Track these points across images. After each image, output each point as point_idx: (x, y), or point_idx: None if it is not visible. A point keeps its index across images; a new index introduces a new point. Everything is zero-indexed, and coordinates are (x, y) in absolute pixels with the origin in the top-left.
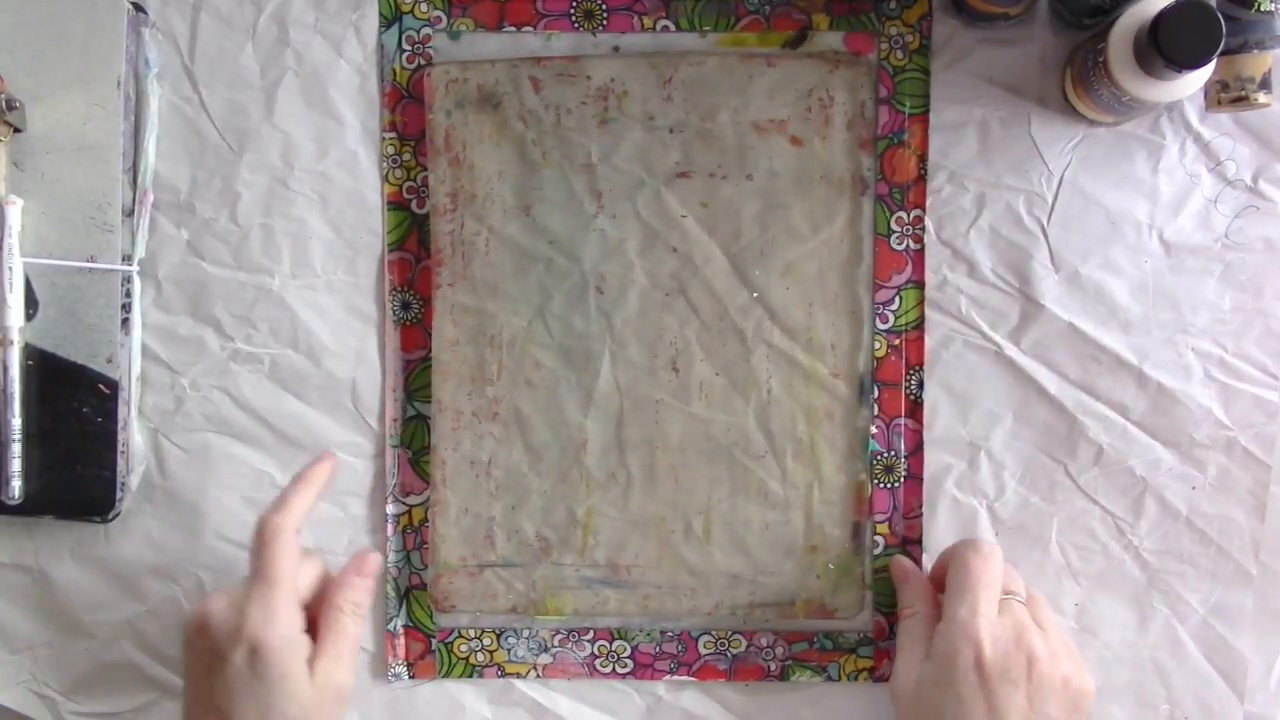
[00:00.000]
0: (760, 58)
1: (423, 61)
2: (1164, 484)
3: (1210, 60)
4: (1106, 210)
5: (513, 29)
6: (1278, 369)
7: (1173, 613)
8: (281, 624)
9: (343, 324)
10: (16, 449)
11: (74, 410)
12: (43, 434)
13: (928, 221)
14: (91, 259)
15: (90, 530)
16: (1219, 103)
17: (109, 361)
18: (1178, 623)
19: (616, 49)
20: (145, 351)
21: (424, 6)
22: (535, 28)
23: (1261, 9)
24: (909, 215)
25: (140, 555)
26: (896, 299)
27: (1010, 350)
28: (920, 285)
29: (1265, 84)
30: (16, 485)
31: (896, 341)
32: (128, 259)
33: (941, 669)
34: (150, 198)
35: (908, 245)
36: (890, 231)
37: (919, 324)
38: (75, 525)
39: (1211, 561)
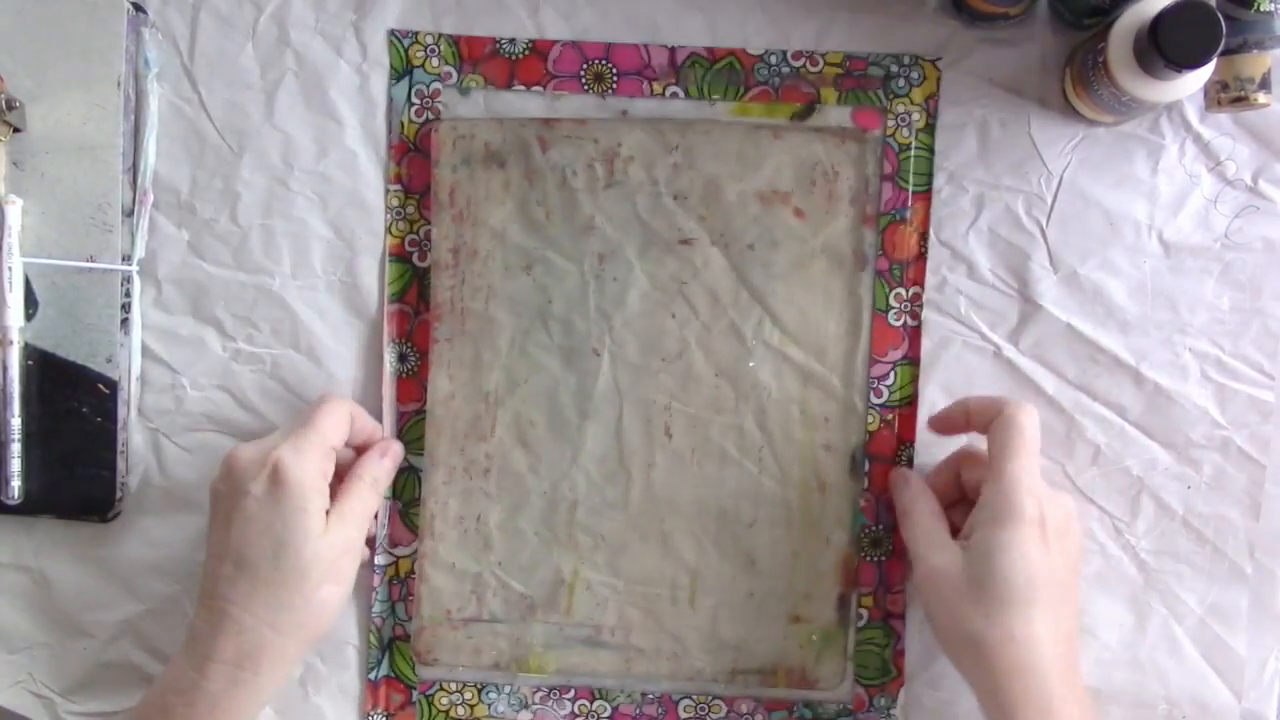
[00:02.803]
0: (767, 129)
1: (431, 116)
2: (1160, 484)
3: (1210, 60)
4: (1106, 210)
5: (522, 88)
6: (1274, 369)
7: (1170, 613)
8: (308, 461)
9: (343, 324)
10: (16, 449)
11: (74, 410)
12: (43, 434)
13: (930, 229)
14: (91, 259)
15: (90, 530)
16: (1219, 103)
17: (109, 361)
18: (1175, 623)
19: (625, 113)
20: (145, 351)
21: (435, 61)
22: (545, 88)
23: (1261, 9)
24: (908, 292)
25: (140, 555)
26: (891, 374)
27: (1009, 351)
28: (915, 362)
29: (1265, 84)
30: (16, 485)
31: (890, 416)
32: (127, 259)
33: (1000, 534)
34: (150, 198)
35: (905, 321)
36: (889, 307)
37: (912, 400)
38: (75, 525)
39: (1208, 561)
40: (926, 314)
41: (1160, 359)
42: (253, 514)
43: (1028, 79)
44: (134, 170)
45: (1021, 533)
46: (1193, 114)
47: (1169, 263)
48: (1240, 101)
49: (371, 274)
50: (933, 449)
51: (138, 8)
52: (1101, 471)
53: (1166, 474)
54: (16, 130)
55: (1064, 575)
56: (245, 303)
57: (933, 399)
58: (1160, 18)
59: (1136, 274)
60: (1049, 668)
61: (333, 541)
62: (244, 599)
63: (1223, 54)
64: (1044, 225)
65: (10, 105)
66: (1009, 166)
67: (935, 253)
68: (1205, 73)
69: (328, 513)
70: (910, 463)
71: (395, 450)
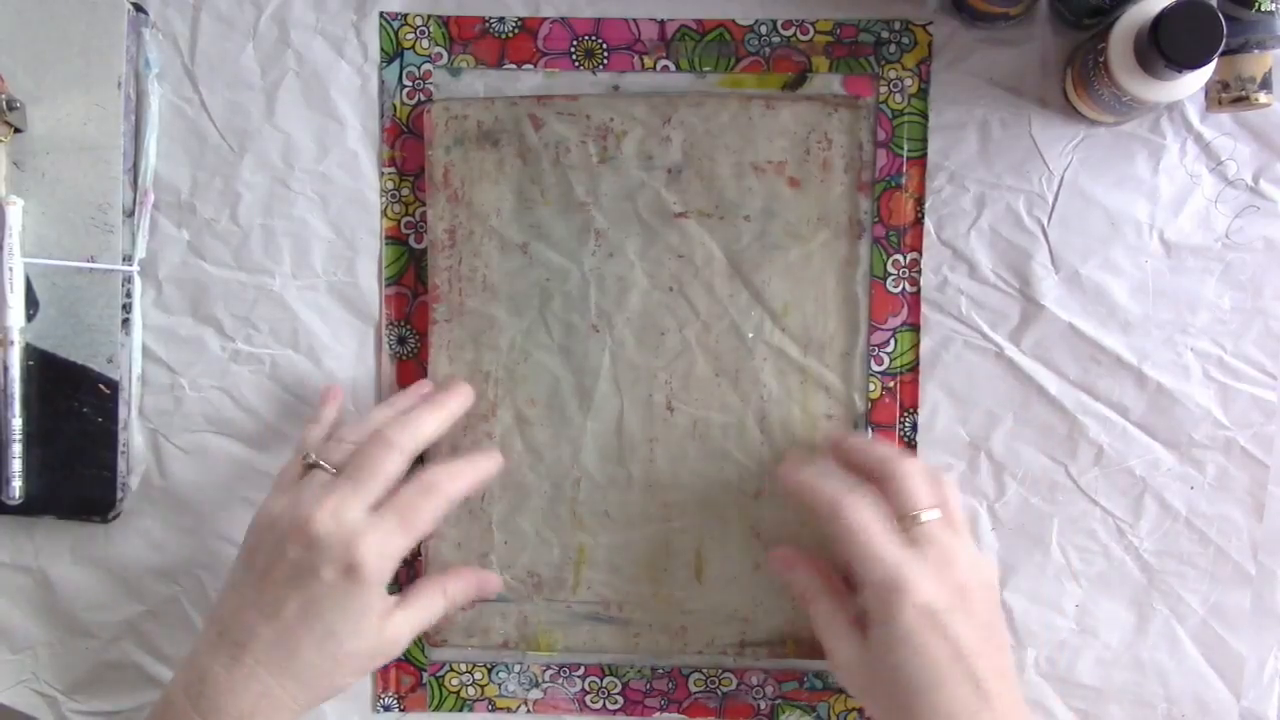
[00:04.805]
0: (759, 99)
1: (423, 98)
2: (1163, 484)
3: (1211, 60)
4: (1107, 210)
5: (513, 66)
6: (1276, 369)
7: (1172, 613)
8: (389, 562)
9: (343, 324)
10: (17, 449)
11: (74, 410)
12: (43, 434)
13: (927, 221)
14: (92, 259)
15: (90, 530)
16: (1219, 103)
17: (109, 362)
18: (1177, 623)
19: (616, 88)
20: (145, 352)
21: (425, 43)
22: (535, 65)
23: (1262, 9)
24: (905, 258)
25: (140, 555)
26: (892, 341)
27: (1010, 351)
28: (915, 328)
29: (1266, 84)
30: (17, 485)
31: (891, 384)
32: (128, 259)
33: (886, 633)
34: (151, 198)
35: (904, 288)
36: (887, 274)
37: (914, 367)
38: (75, 525)
39: (1210, 562)
40: (927, 313)
41: (1162, 359)
42: (316, 598)
43: (1028, 79)
44: (134, 170)
45: (902, 633)
46: (1193, 114)
47: (1170, 263)
48: (1241, 101)
49: (372, 274)
50: (936, 417)
51: (138, 8)
52: (1104, 472)
53: (1169, 474)
54: (17, 130)
55: (974, 642)
56: (245, 303)
57: (934, 399)
58: (1161, 18)
59: (1138, 274)
60: None
61: (382, 643)
62: (276, 667)
63: (1223, 54)
64: (1045, 225)
65: (11, 105)
66: (1010, 166)
67: (936, 252)
68: (1206, 73)
69: (389, 609)
70: (915, 429)
71: (494, 585)
